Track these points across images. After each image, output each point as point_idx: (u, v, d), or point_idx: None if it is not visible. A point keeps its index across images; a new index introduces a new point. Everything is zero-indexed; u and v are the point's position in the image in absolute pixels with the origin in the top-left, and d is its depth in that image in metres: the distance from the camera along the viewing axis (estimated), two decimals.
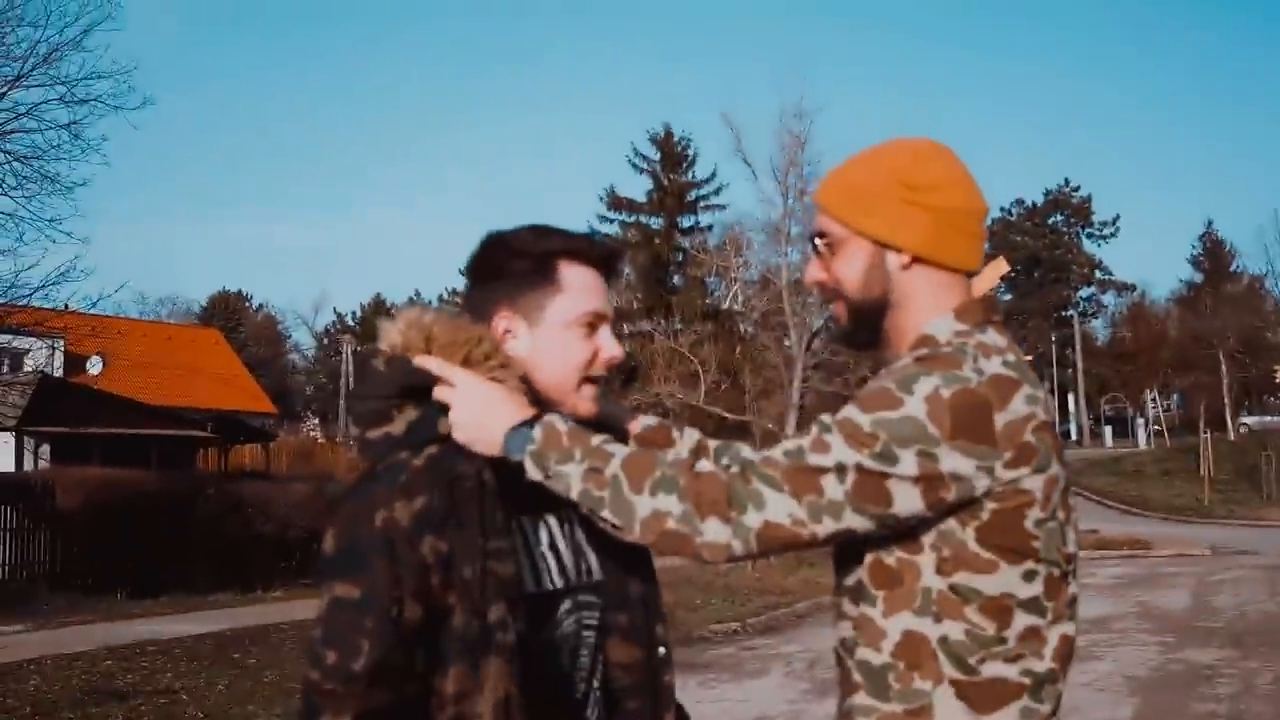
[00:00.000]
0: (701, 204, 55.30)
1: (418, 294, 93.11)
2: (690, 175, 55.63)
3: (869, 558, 1.79)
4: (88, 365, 36.22)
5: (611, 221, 55.24)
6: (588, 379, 1.94)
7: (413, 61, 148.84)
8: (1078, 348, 79.83)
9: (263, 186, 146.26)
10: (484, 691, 1.69)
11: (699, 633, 13.52)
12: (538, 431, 1.79)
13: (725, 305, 47.83)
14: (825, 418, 1.74)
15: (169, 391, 39.50)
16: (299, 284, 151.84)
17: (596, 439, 1.81)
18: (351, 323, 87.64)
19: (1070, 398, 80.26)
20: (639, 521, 1.74)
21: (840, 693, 1.88)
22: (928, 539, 1.75)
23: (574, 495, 1.78)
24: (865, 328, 1.91)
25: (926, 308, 1.86)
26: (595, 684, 1.91)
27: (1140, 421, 69.63)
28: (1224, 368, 66.47)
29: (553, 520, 1.90)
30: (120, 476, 22.29)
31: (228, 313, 72.60)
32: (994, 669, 1.75)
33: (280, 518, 23.17)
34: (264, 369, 56.50)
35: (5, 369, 32.35)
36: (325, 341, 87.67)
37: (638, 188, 58.27)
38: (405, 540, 1.71)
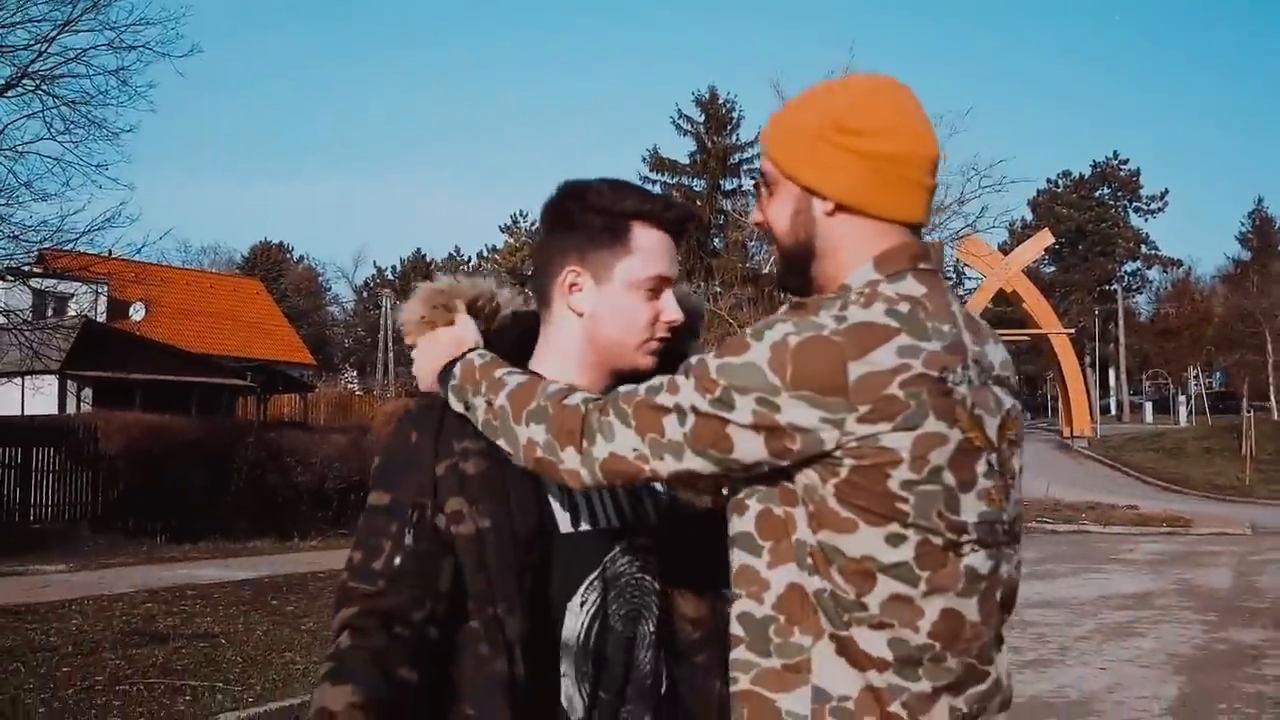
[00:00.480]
0: (745, 167, 54.98)
1: (457, 250, 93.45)
2: (734, 138, 55.33)
3: (759, 507, 1.72)
4: (130, 311, 36.51)
5: (653, 183, 54.97)
6: (651, 339, 1.96)
7: (458, 19, 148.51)
8: (1120, 323, 79.06)
9: (307, 139, 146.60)
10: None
11: None
12: (457, 368, 1.90)
13: (765, 270, 47.60)
14: (691, 360, 1.70)
15: (209, 339, 39.82)
16: (339, 237, 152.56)
17: (500, 370, 1.86)
18: (391, 277, 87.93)
19: (1111, 372, 79.58)
20: (520, 449, 1.79)
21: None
22: (800, 493, 1.68)
23: (480, 427, 1.85)
24: (794, 274, 1.84)
25: (853, 258, 1.77)
26: (650, 628, 1.93)
27: (1182, 398, 68.95)
28: (1269, 346, 65.72)
29: None
30: (161, 422, 22.47)
31: (269, 264, 72.94)
32: (860, 634, 1.65)
33: (318, 468, 23.31)
34: (303, 321, 56.78)
35: (50, 312, 32.60)
36: (365, 295, 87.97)
37: (680, 149, 58.11)
38: (431, 456, 1.84)
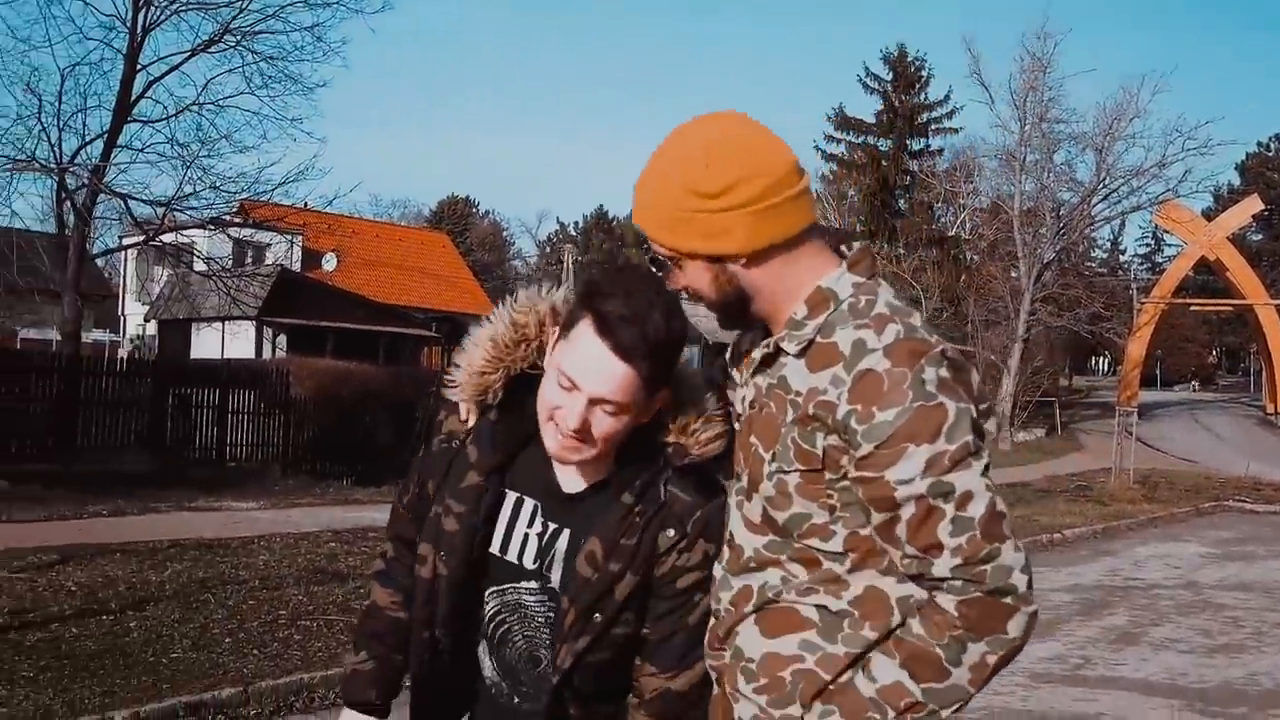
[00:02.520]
0: (932, 127, 53.67)
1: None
2: (922, 97, 53.97)
3: (844, 531, 1.87)
4: (323, 261, 37.73)
5: (838, 141, 54.18)
6: (551, 420, 2.00)
7: None
8: None
9: (495, 96, 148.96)
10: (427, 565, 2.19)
11: None
12: None
13: (951, 232, 46.50)
14: (917, 483, 1.77)
15: (396, 290, 40.90)
16: (524, 193, 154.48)
17: None
18: (574, 233, 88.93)
19: None
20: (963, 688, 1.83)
21: None
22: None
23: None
24: (734, 320, 1.97)
25: (787, 280, 1.90)
26: (548, 669, 2.15)
27: None
28: None
29: (550, 524, 2.13)
30: (350, 369, 23.20)
31: (455, 218, 74.45)
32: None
33: None
34: (487, 274, 57.84)
35: (249, 261, 33.95)
36: (548, 250, 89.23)
37: (867, 108, 56.95)
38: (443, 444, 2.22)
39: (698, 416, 2.07)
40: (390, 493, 18.11)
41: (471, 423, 2.18)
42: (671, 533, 2.06)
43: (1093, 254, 66.45)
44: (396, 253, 44.42)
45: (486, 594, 2.18)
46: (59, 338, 20.65)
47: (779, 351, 1.91)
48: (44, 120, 18.33)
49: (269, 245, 35.83)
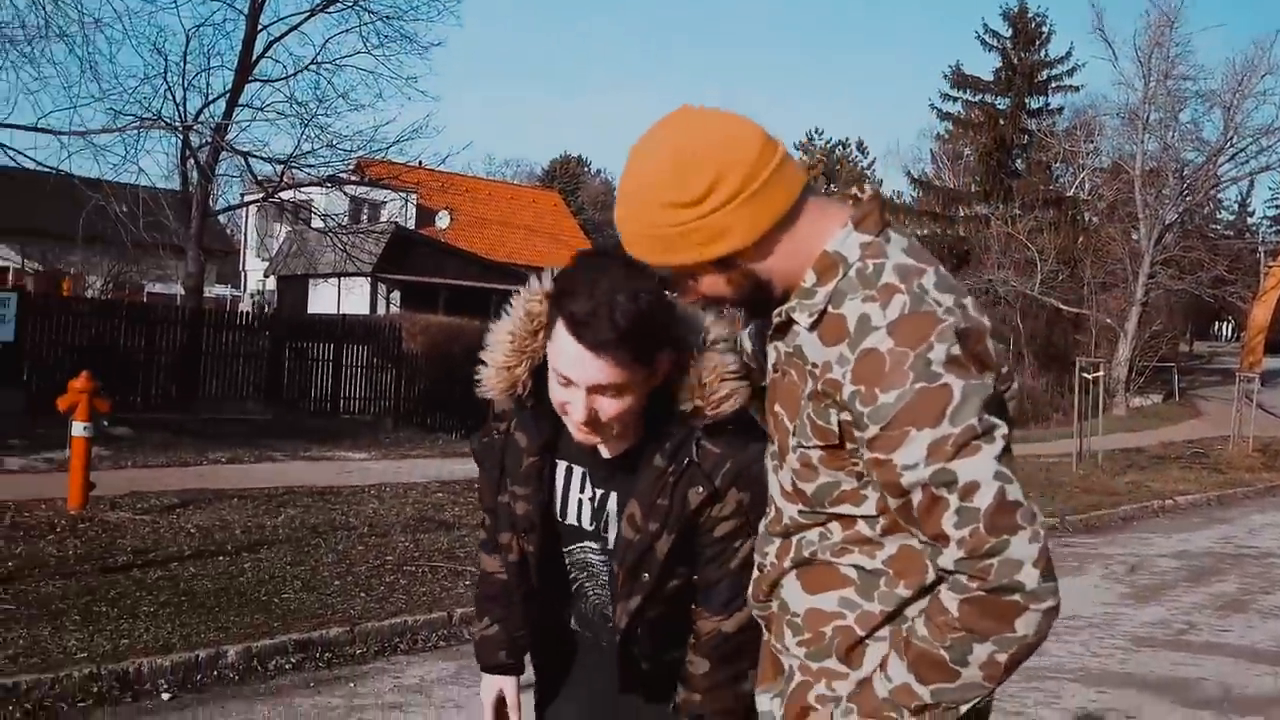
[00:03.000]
0: (1052, 85, 52.26)
1: None
2: (1042, 54, 52.56)
3: (875, 494, 1.84)
4: (436, 219, 38.21)
5: (954, 100, 53.06)
6: (566, 413, 2.10)
7: None
8: None
9: (608, 55, 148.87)
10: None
11: None
12: None
13: (1070, 192, 45.39)
14: (921, 470, 1.71)
15: (508, 248, 41.29)
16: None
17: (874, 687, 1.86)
18: None
19: None
20: (984, 670, 1.75)
21: None
22: None
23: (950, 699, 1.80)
24: (762, 309, 1.93)
25: (797, 252, 1.84)
26: (610, 616, 2.30)
27: None
28: None
29: (592, 488, 2.26)
30: (461, 325, 23.55)
31: (567, 177, 74.74)
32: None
33: None
34: (599, 234, 57.98)
35: (364, 218, 34.58)
36: None
37: (985, 65, 55.80)
38: (483, 465, 2.44)
39: (714, 373, 2.12)
40: None
41: (508, 416, 2.34)
42: (700, 489, 2.13)
43: (1218, 216, 64.42)
44: (508, 211, 44.81)
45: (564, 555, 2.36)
46: (183, 292, 21.30)
47: (791, 320, 1.87)
48: (169, 80, 18.87)
49: (384, 203, 36.41)
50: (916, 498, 1.72)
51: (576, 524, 2.29)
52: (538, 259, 42.18)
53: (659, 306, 2.03)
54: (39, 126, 13.65)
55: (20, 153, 14.17)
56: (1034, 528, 1.69)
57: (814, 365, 1.83)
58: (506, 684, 2.52)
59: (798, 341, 1.87)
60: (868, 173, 75.65)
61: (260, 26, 19.94)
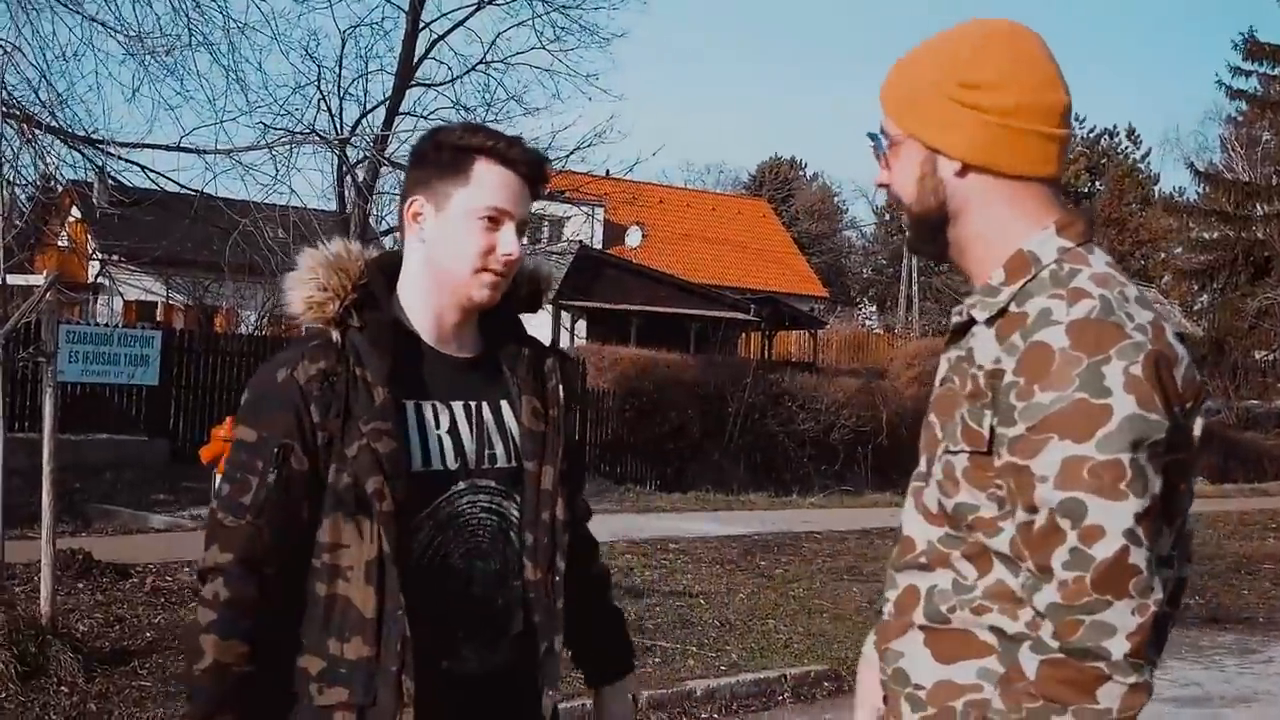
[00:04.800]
0: None
1: None
2: None
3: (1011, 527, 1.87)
4: (626, 236, 38.70)
5: (1248, 75, 51.02)
6: (484, 269, 2.36)
7: None
8: None
9: (824, 41, 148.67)
10: (357, 547, 2.23)
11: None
12: None
13: None
14: (1050, 488, 1.76)
15: (710, 267, 41.53)
16: (859, 153, 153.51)
17: None
18: None
19: None
20: None
21: None
22: None
23: None
24: (928, 240, 2.04)
25: (996, 221, 1.95)
26: (494, 565, 2.37)
27: None
28: None
29: (458, 407, 2.38)
30: (654, 357, 23.81)
31: (777, 183, 74.72)
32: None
33: (824, 415, 23.86)
34: (815, 247, 57.93)
35: (545, 237, 35.22)
36: (887, 218, 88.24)
37: None
38: (300, 396, 2.24)
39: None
40: (698, 499, 18.51)
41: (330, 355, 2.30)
42: (550, 360, 2.50)
43: None
44: (709, 224, 45.12)
45: (417, 523, 2.30)
46: None
47: (971, 321, 1.95)
48: (323, 88, 19.59)
49: (566, 218, 37.07)
50: (1040, 520, 1.77)
51: (443, 467, 2.33)
52: (744, 279, 42.34)
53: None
54: (182, 146, 14.28)
55: (163, 174, 14.80)
56: (1144, 601, 1.73)
57: (980, 366, 1.90)
58: None
59: (971, 344, 1.95)
60: (1140, 166, 73.40)
61: (422, 24, 20.52)
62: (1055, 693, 1.74)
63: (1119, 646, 1.72)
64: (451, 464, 2.34)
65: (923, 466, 2.03)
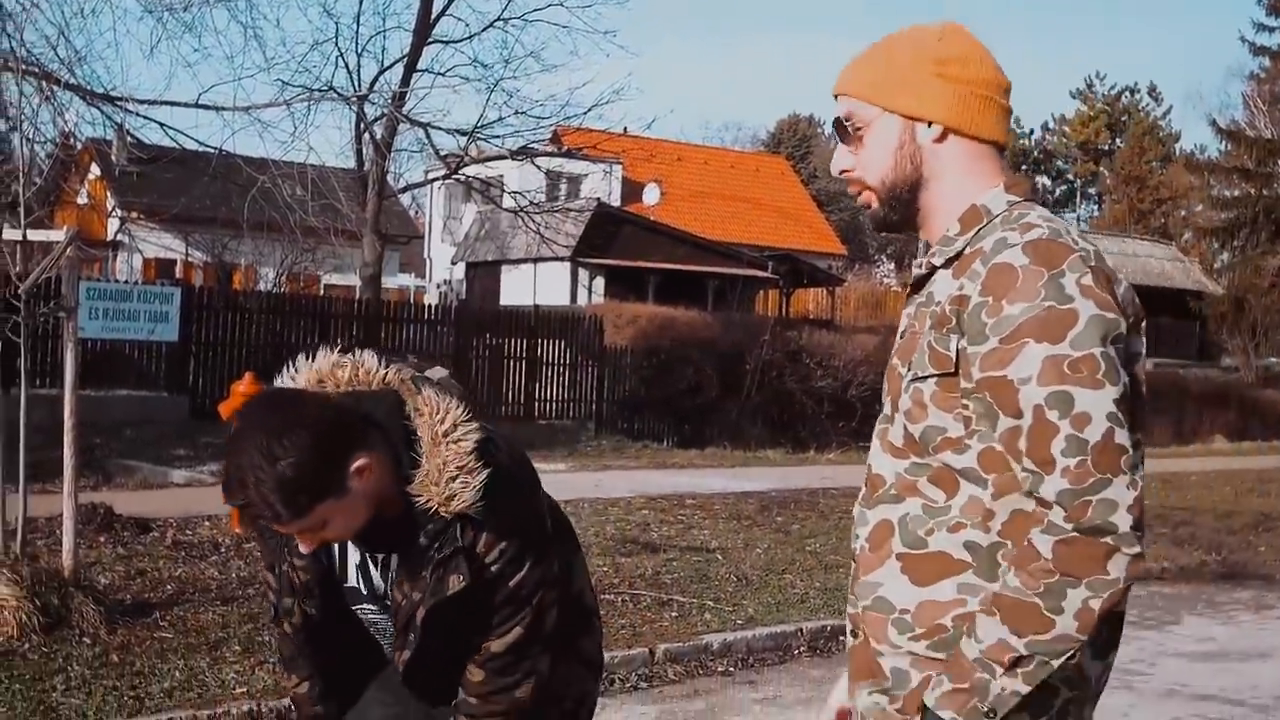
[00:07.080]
0: None
1: (1017, 123, 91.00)
2: None
3: (980, 446, 2.06)
4: (644, 194, 38.59)
5: (1270, 30, 50.58)
6: None
7: None
8: None
9: None
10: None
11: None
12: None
13: None
14: (1035, 387, 1.95)
15: (728, 225, 41.38)
16: None
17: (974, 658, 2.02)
18: None
19: None
20: (1078, 620, 1.96)
21: None
22: None
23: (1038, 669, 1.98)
24: (898, 208, 2.24)
25: (962, 181, 2.19)
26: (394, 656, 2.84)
27: None
28: None
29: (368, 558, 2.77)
30: (671, 315, 23.78)
31: (796, 140, 74.44)
32: None
33: (841, 372, 23.84)
34: (834, 205, 57.57)
35: (562, 194, 35.12)
36: None
37: None
38: (260, 533, 2.84)
39: (440, 471, 2.52)
40: (715, 455, 18.55)
41: None
42: (461, 579, 2.57)
43: None
44: (727, 182, 44.92)
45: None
46: (360, 283, 22.06)
47: (932, 270, 2.17)
48: (340, 45, 19.57)
49: (584, 176, 36.98)
50: (1028, 421, 1.96)
51: (356, 586, 2.79)
52: (762, 236, 42.20)
53: (303, 463, 2.37)
54: (200, 103, 14.29)
55: (181, 132, 14.81)
56: (1134, 477, 1.95)
57: (938, 302, 2.10)
58: None
59: (930, 289, 2.16)
60: (1161, 124, 72.87)
61: None
62: (1071, 568, 1.92)
63: (1123, 520, 1.92)
64: (363, 588, 2.81)
65: (887, 409, 2.21)
